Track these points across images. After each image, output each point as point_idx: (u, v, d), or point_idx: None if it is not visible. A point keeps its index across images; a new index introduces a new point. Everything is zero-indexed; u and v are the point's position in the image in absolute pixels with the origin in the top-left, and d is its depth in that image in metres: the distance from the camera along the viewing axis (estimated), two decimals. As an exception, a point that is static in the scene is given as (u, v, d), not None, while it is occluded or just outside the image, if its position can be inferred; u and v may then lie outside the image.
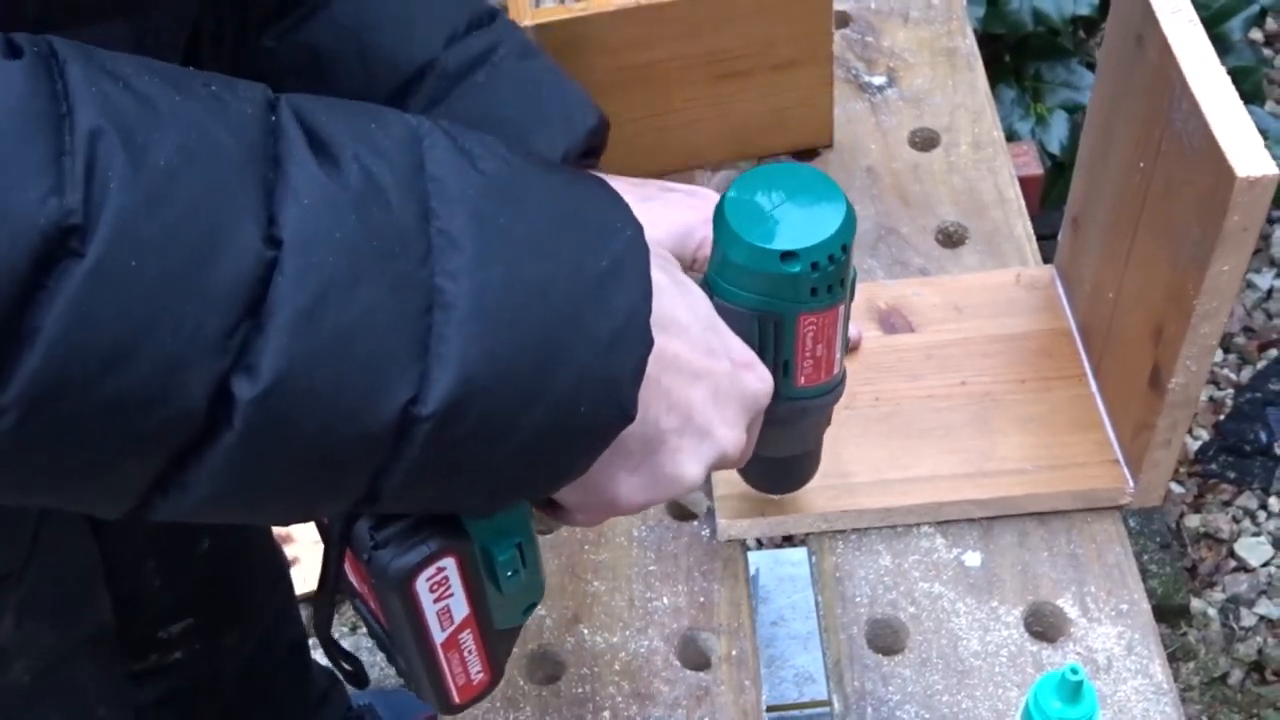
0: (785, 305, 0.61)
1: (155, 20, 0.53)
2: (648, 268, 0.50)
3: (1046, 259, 0.94)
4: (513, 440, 0.48)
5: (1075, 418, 0.83)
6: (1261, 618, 1.52)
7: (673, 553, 0.81)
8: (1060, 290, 0.90)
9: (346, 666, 0.67)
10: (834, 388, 0.67)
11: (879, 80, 1.06)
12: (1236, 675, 1.48)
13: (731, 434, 0.57)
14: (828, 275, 0.60)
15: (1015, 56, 1.61)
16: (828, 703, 0.76)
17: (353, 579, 0.61)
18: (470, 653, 0.62)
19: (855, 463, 0.82)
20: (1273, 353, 1.74)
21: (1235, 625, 1.52)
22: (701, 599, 0.79)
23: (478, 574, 0.59)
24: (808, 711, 1.19)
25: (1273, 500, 1.62)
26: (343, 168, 0.43)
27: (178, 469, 0.42)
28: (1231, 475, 1.64)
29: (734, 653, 0.77)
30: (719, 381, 0.56)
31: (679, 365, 0.54)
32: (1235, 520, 1.60)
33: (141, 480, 0.43)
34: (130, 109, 0.40)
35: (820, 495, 0.81)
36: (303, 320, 0.41)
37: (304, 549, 1.54)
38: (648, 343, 0.50)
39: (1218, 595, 1.54)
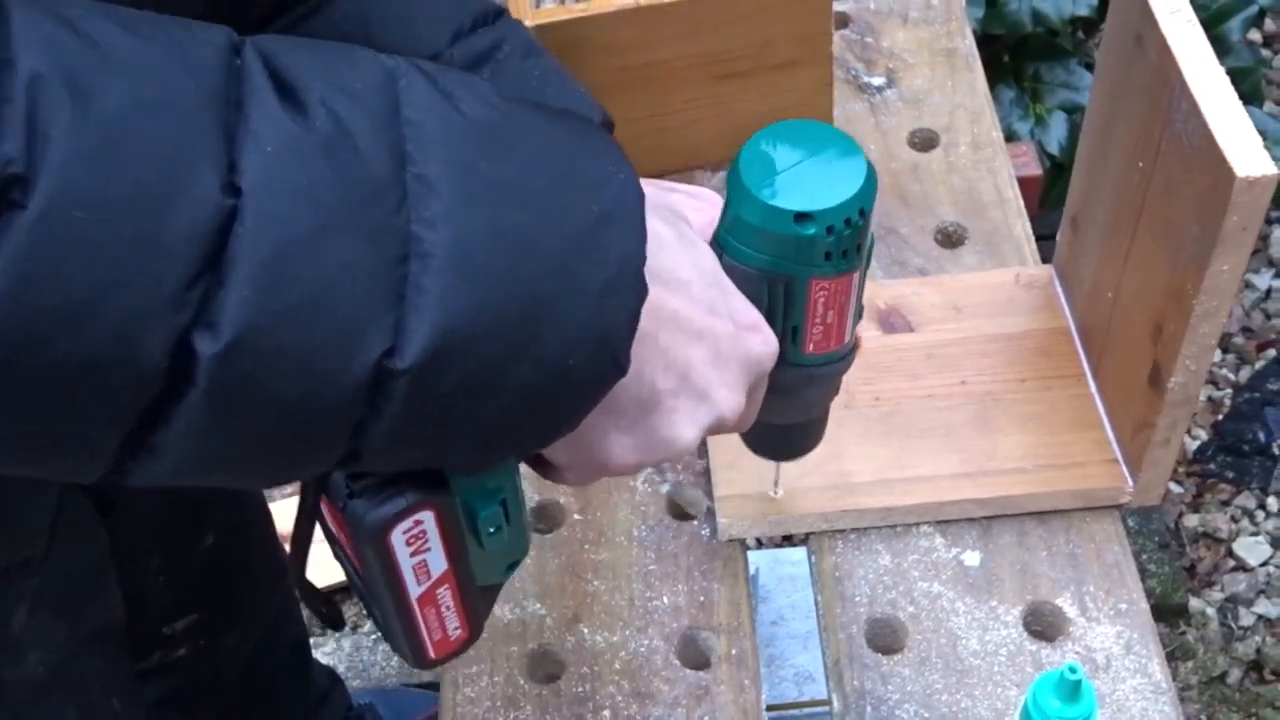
0: (797, 268, 0.58)
1: None
2: (643, 215, 0.48)
3: (1046, 259, 0.94)
4: (499, 395, 0.46)
5: (1074, 417, 0.83)
6: (1260, 617, 1.52)
7: (673, 552, 0.81)
8: (1059, 290, 0.90)
9: (323, 610, 0.65)
10: (844, 356, 0.64)
11: (878, 81, 1.06)
12: (1235, 674, 1.48)
13: (731, 397, 0.55)
14: (844, 240, 0.57)
15: (1014, 57, 1.61)
16: (827, 702, 0.76)
17: (330, 525, 0.59)
18: (448, 608, 0.61)
19: (855, 462, 0.82)
20: (1271, 353, 1.74)
21: (1234, 624, 1.52)
22: (701, 598, 0.79)
23: (458, 529, 0.57)
24: (807, 710, 1.20)
25: (1271, 500, 1.62)
26: (310, 112, 0.41)
27: (145, 431, 0.41)
28: (1230, 475, 1.64)
29: (734, 652, 0.77)
30: (720, 342, 0.54)
31: (677, 322, 0.52)
32: (1234, 520, 1.61)
33: (109, 444, 0.41)
34: (76, 53, 0.38)
35: (821, 495, 0.81)
36: (265, 273, 0.40)
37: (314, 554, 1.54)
38: (642, 293, 0.48)
39: (1216, 595, 1.55)
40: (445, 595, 0.60)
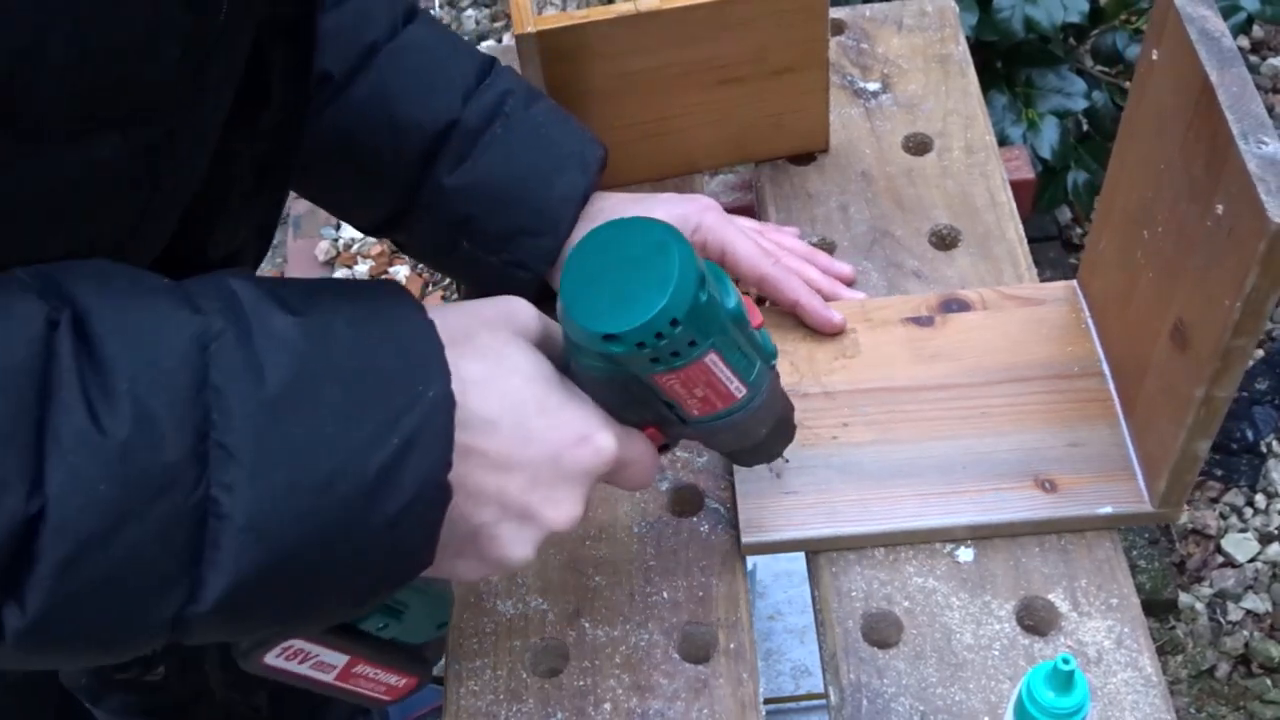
0: (633, 370, 0.58)
1: (153, 133, 0.52)
2: (448, 427, 0.51)
3: (1037, 262, 0.95)
4: (301, 605, 0.51)
5: (1102, 450, 0.82)
6: (1248, 612, 1.53)
7: (672, 548, 0.82)
8: (1088, 317, 0.89)
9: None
10: (741, 408, 0.63)
11: (874, 86, 1.06)
12: (1224, 668, 1.49)
13: (558, 512, 0.58)
14: (663, 348, 0.56)
15: (1007, 63, 1.61)
16: (824, 695, 0.77)
17: None
18: (376, 674, 0.63)
19: (883, 489, 0.82)
20: (1259, 353, 1.75)
21: (1222, 619, 1.53)
22: (700, 594, 0.80)
23: (339, 636, 0.59)
24: (804, 704, 1.20)
25: (1259, 497, 1.63)
26: (115, 403, 0.45)
27: None
28: (1219, 473, 1.65)
29: (732, 646, 0.78)
30: (537, 468, 0.57)
31: (486, 462, 0.55)
32: (1223, 517, 1.61)
33: None
34: None
35: (842, 521, 0.81)
36: (65, 567, 0.44)
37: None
38: (443, 502, 0.52)
39: (1205, 590, 1.55)
40: (365, 669, 0.62)
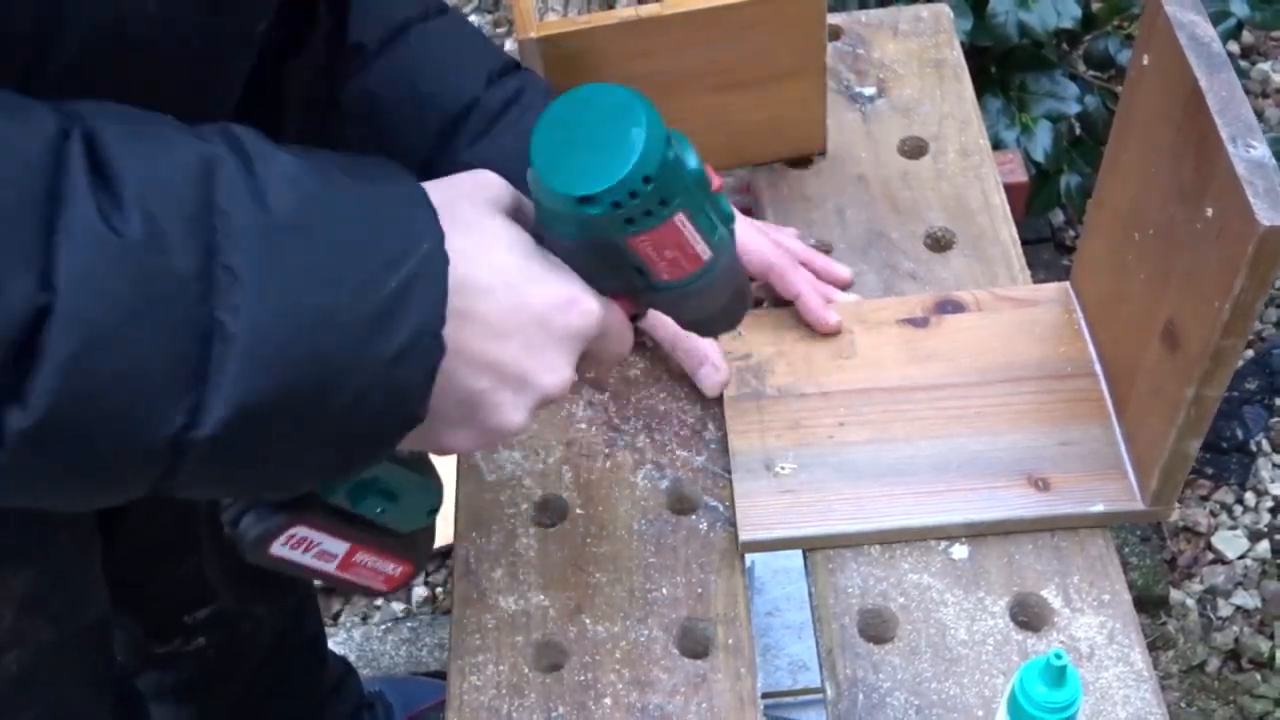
0: (607, 234, 0.59)
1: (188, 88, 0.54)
2: (443, 280, 0.52)
3: (1031, 264, 0.96)
4: (297, 449, 0.50)
5: (1095, 450, 0.83)
6: (1238, 608, 1.54)
7: (672, 545, 0.83)
8: (1080, 318, 0.90)
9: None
10: (706, 272, 0.63)
11: (869, 91, 1.07)
12: (1214, 663, 1.50)
13: (552, 376, 0.59)
14: (636, 207, 0.57)
15: (1001, 68, 1.62)
16: (821, 690, 0.77)
17: None
18: (375, 562, 0.65)
19: (879, 487, 0.83)
20: (1249, 353, 1.76)
21: (1213, 615, 1.54)
22: (699, 590, 0.80)
23: (341, 522, 0.61)
24: (801, 698, 1.21)
25: (1249, 495, 1.63)
26: (125, 210, 0.45)
27: None
28: (1210, 471, 1.66)
29: (730, 641, 0.78)
30: (529, 333, 0.58)
31: (483, 328, 0.56)
32: (1213, 514, 1.62)
33: None
34: None
35: (838, 520, 0.82)
36: (72, 364, 0.44)
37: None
38: (437, 353, 0.52)
39: (1196, 586, 1.56)
40: (365, 557, 0.64)
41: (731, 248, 0.66)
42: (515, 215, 0.61)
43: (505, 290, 0.57)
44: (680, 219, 0.59)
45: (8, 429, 0.44)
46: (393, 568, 0.66)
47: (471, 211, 0.58)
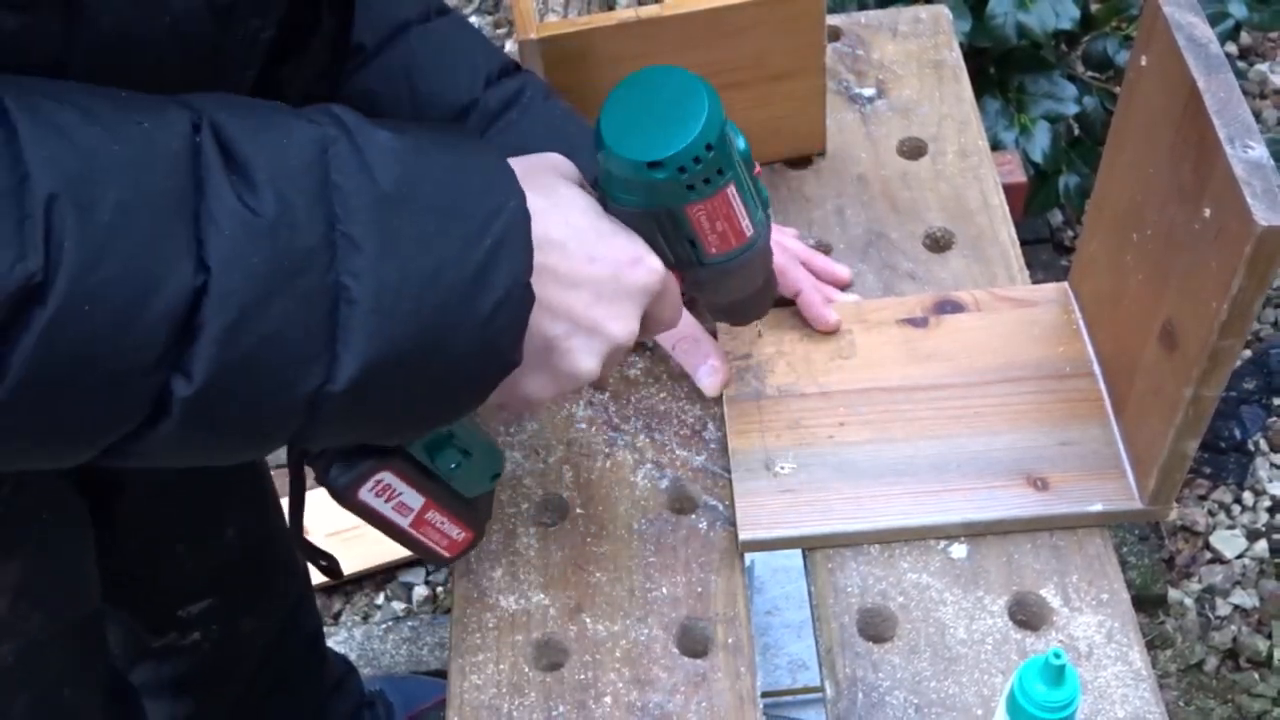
0: (668, 202, 0.65)
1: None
2: (528, 235, 0.57)
3: (1029, 264, 0.97)
4: (412, 399, 0.56)
5: (1096, 450, 0.83)
6: (1236, 607, 1.54)
7: (671, 545, 0.83)
8: (1079, 318, 0.90)
9: (322, 562, 0.76)
10: (749, 248, 0.70)
11: (869, 92, 1.07)
12: (1212, 662, 1.50)
13: (621, 326, 0.64)
14: (698, 173, 0.64)
15: (999, 69, 1.62)
16: (820, 689, 0.78)
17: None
18: (443, 523, 0.72)
19: (879, 487, 0.83)
20: (1247, 354, 1.76)
21: (1211, 614, 1.54)
22: (699, 589, 0.81)
23: (420, 475, 0.68)
24: (801, 697, 1.21)
25: (1247, 495, 1.63)
26: (258, 191, 0.50)
27: (125, 443, 0.50)
28: (1208, 471, 1.66)
29: (730, 640, 0.78)
30: (601, 284, 0.63)
31: (557, 278, 0.61)
32: (1211, 514, 1.62)
33: (91, 453, 0.51)
34: (76, 168, 0.46)
35: (838, 519, 0.82)
36: (227, 334, 0.49)
37: (318, 541, 1.55)
38: (528, 302, 0.58)
39: (1194, 586, 1.56)
40: (435, 517, 0.71)
41: (768, 231, 0.72)
42: (580, 188, 0.66)
43: (578, 245, 0.62)
44: (731, 191, 0.66)
45: (175, 398, 0.49)
46: (457, 532, 0.73)
47: (545, 177, 0.64)
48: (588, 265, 0.63)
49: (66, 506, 0.75)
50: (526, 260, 0.57)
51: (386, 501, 0.68)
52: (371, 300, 0.52)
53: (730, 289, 0.74)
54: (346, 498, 0.66)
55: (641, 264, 0.65)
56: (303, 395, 0.52)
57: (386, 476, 0.67)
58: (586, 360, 0.64)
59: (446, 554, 0.74)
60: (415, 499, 0.69)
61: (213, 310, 0.49)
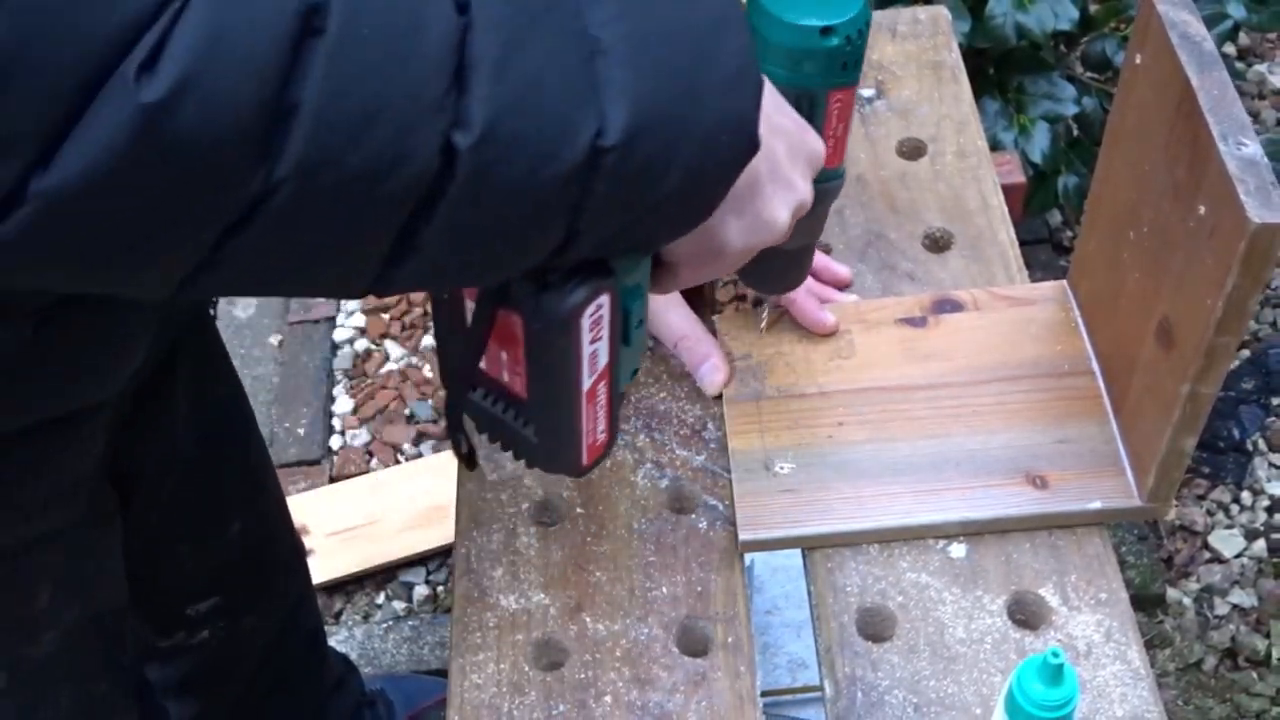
0: (819, 80, 0.68)
1: None
2: (743, 19, 0.55)
3: (1028, 264, 0.97)
4: (672, 173, 0.52)
5: (1094, 447, 0.84)
6: (1234, 606, 1.54)
7: (671, 544, 0.83)
8: (1077, 316, 0.90)
9: (462, 449, 0.71)
10: (839, 175, 0.74)
11: (868, 92, 1.07)
12: (1210, 662, 1.50)
13: (805, 185, 0.64)
14: (857, 49, 0.68)
15: (999, 70, 1.62)
16: (819, 688, 0.78)
17: (484, 359, 0.65)
18: (601, 407, 0.66)
19: (878, 486, 0.83)
20: (1245, 353, 1.77)
21: (1209, 614, 1.54)
22: (699, 588, 0.81)
23: (618, 318, 0.63)
24: (800, 696, 1.21)
25: (1245, 494, 1.64)
26: None
27: (409, 233, 0.47)
28: (1206, 470, 1.66)
29: (730, 640, 0.78)
30: (791, 137, 0.63)
31: (765, 117, 0.58)
32: (1209, 513, 1.62)
33: (379, 250, 0.47)
34: None
35: (837, 519, 0.82)
36: (497, 71, 0.46)
37: (319, 541, 1.56)
38: (760, 82, 0.55)
39: (1193, 585, 1.56)
40: (602, 392, 0.65)
41: (842, 180, 0.77)
42: None
43: (770, 97, 0.61)
44: (853, 93, 0.70)
45: (460, 152, 0.46)
46: (601, 429, 0.67)
47: None
48: (779, 115, 0.62)
49: (102, 498, 0.75)
50: (748, 44, 0.54)
51: (590, 343, 0.62)
52: (624, 51, 0.49)
53: (804, 228, 0.73)
54: (569, 322, 0.60)
55: (810, 133, 0.65)
56: (580, 150, 0.49)
57: (605, 303, 0.61)
58: (782, 210, 0.62)
59: (585, 458, 0.67)
60: (604, 354, 0.63)
61: (480, 48, 0.46)
